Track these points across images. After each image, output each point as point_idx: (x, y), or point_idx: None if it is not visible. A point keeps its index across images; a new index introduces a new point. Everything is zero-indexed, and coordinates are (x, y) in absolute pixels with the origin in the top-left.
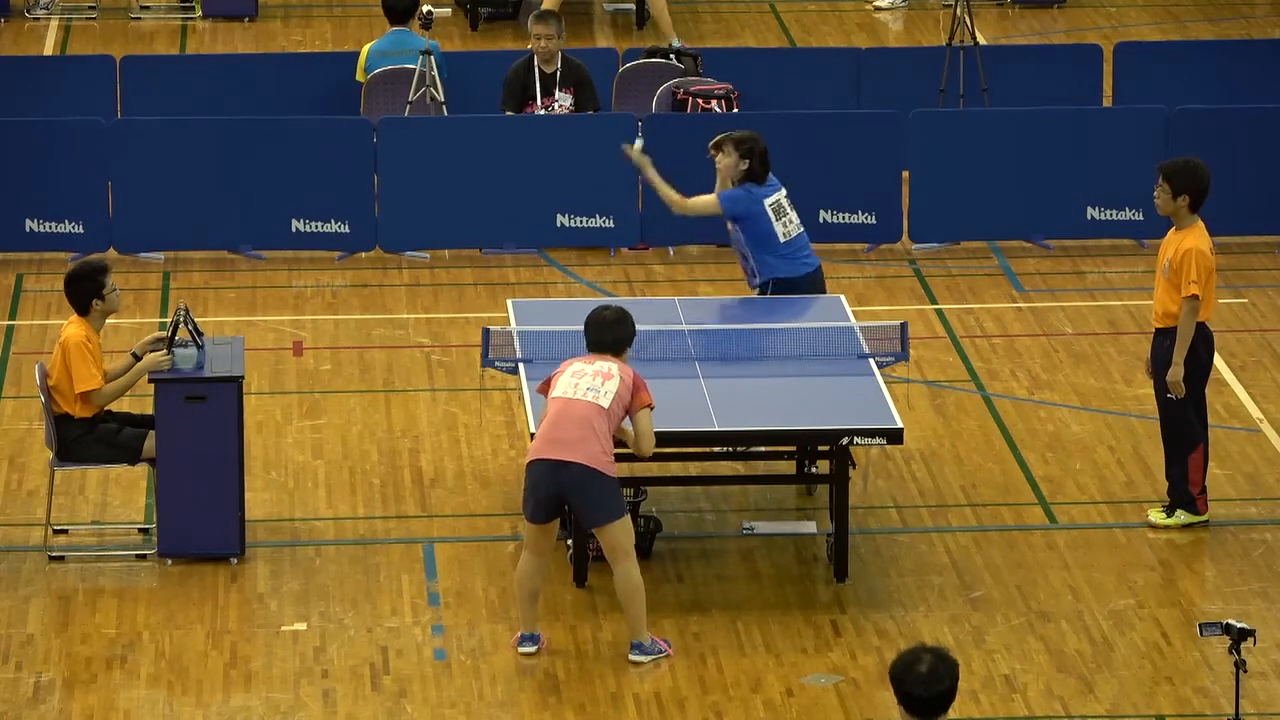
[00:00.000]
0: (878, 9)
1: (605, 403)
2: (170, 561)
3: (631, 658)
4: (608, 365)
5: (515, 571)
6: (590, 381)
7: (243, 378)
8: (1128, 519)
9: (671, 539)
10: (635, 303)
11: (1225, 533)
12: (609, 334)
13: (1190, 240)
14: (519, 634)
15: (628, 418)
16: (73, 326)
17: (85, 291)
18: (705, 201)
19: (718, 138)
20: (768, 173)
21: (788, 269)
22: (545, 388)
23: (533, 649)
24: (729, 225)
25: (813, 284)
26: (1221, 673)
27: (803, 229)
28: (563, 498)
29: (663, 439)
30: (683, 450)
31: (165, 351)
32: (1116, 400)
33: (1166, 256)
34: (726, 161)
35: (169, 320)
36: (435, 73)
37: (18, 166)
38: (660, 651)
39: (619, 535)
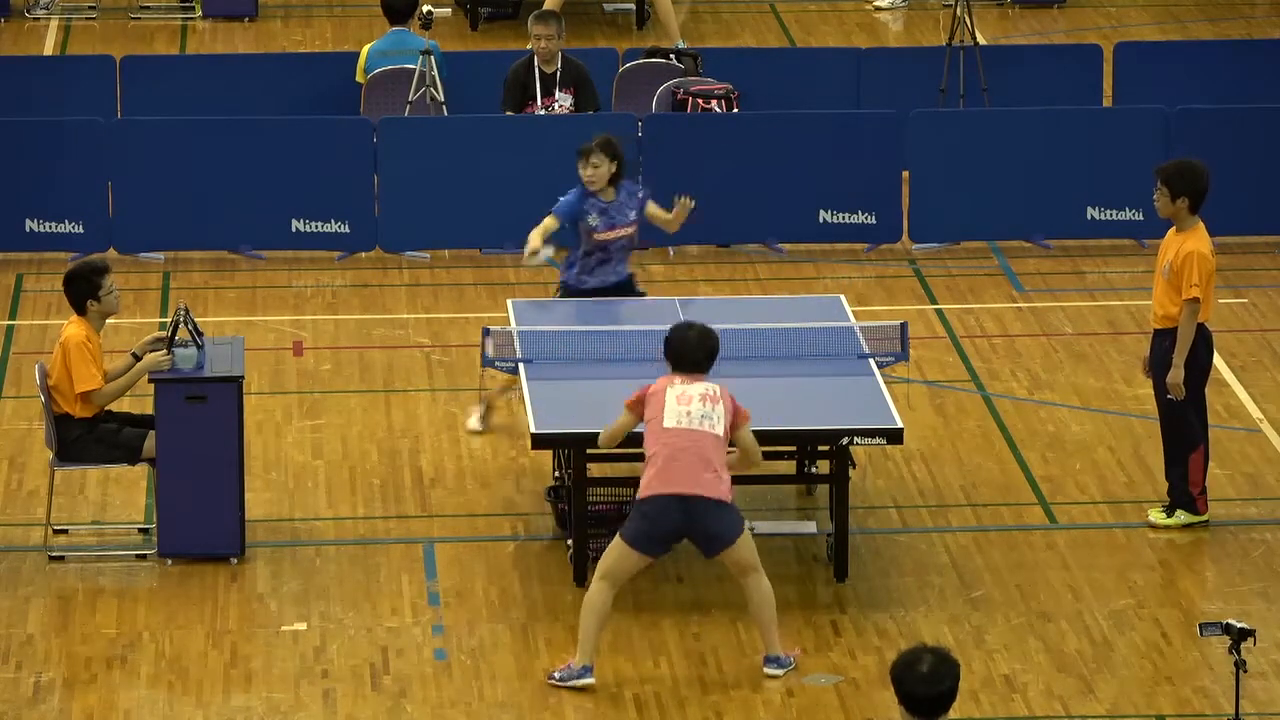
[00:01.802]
0: (878, 9)
1: (720, 431)
2: (170, 561)
3: (767, 671)
4: (710, 387)
5: (588, 599)
6: (702, 408)
7: (243, 378)
8: (1128, 519)
9: None
10: (635, 302)
11: (1225, 533)
12: (701, 351)
13: (1192, 242)
14: (580, 664)
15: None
16: (73, 326)
17: (80, 292)
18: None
19: (590, 147)
20: None
21: None
22: (638, 404)
23: (590, 680)
24: (632, 221)
25: None
26: (1221, 673)
27: None
28: (684, 533)
29: None
30: None
31: (165, 351)
32: (1116, 400)
33: (1167, 258)
34: (605, 169)
35: (169, 320)
36: (435, 73)
37: (18, 166)
38: (790, 664)
39: (743, 552)
